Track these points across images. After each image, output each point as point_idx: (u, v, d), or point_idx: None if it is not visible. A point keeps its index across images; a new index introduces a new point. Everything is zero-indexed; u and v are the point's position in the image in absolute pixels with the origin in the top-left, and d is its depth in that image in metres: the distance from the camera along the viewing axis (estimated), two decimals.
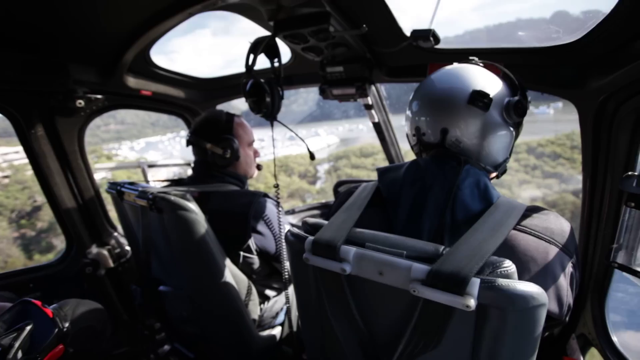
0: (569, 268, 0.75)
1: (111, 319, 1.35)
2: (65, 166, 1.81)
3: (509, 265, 0.58)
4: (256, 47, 1.22)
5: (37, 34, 1.34)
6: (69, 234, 1.89)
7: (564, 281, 0.74)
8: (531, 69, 1.19)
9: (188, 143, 1.45)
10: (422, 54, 1.37)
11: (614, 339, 1.26)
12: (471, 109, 0.83)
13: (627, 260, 0.96)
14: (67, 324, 1.11)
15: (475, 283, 0.55)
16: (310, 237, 0.73)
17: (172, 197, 1.14)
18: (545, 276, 0.72)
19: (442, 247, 0.64)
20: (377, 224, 0.76)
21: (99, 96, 1.74)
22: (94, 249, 1.95)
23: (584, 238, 1.28)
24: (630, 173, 0.86)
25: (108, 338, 1.32)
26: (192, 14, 1.30)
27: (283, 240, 1.30)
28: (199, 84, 2.05)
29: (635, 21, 0.86)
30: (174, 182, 1.53)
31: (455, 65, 0.95)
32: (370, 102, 1.70)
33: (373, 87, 1.64)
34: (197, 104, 2.15)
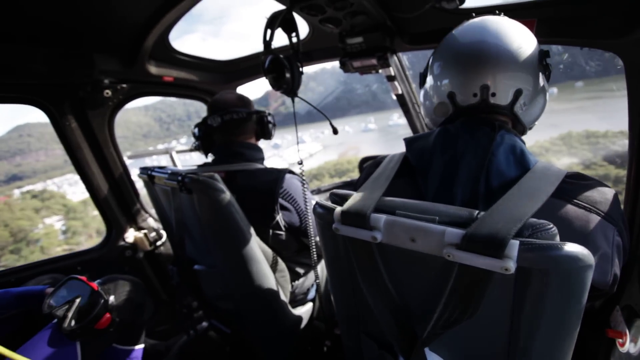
0: (614, 237, 0.71)
1: (151, 298, 1.44)
2: (98, 155, 1.89)
3: (550, 227, 0.55)
4: (273, 22, 1.19)
5: (61, 28, 1.37)
6: (107, 220, 2.00)
7: (607, 250, 0.70)
8: (569, 22, 1.09)
9: (223, 124, 1.44)
10: (446, 17, 1.30)
11: None
12: (522, 67, 0.79)
13: None
14: (111, 297, 1.22)
15: (514, 245, 0.52)
16: (339, 208, 0.72)
17: (201, 178, 1.16)
18: (585, 246, 0.68)
19: (477, 211, 0.61)
20: (407, 194, 0.74)
21: (124, 85, 1.78)
22: (131, 233, 2.06)
23: (631, 204, 1.19)
24: None
25: (148, 310, 1.44)
26: None
27: (310, 216, 1.31)
28: (218, 67, 2.05)
29: None
30: (200, 166, 1.57)
31: (483, 18, 0.88)
32: (392, 73, 1.64)
33: (395, 57, 1.57)
34: (217, 86, 2.15)
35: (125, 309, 1.28)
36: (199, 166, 1.53)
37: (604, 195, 0.72)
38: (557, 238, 0.55)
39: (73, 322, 1.10)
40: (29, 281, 1.50)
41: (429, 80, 0.92)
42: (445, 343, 0.71)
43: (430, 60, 0.93)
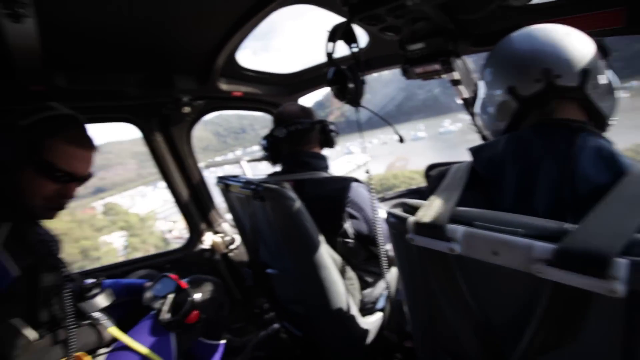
0: None
1: (228, 297, 1.60)
2: (180, 165, 2.13)
3: None
4: (334, 35, 1.24)
5: (148, 55, 1.58)
6: (189, 224, 2.24)
7: None
8: None
9: (289, 135, 1.51)
10: (514, 15, 1.23)
11: None
12: (584, 50, 0.76)
13: None
14: (198, 295, 1.40)
15: (621, 265, 0.46)
16: (412, 217, 0.71)
17: (273, 186, 1.24)
18: None
19: (567, 224, 0.55)
20: (479, 206, 0.69)
21: (200, 101, 1.99)
22: (209, 237, 2.27)
23: None
24: None
25: (228, 309, 1.61)
26: (272, 11, 1.38)
27: (378, 224, 1.31)
28: (281, 80, 2.18)
29: None
30: (270, 175, 1.67)
31: (540, 25, 0.84)
32: (457, 77, 1.59)
33: (459, 61, 1.53)
34: (280, 98, 2.29)
35: (209, 307, 1.43)
36: (269, 175, 1.63)
37: None
38: None
39: (168, 315, 1.29)
40: (130, 274, 1.75)
41: (486, 88, 0.88)
42: None
43: (483, 68, 0.90)
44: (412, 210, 0.75)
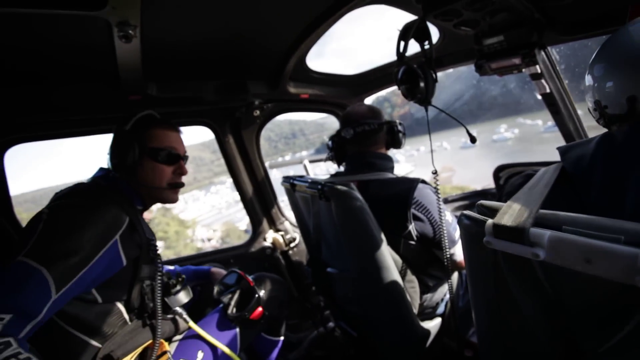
0: None
1: (289, 295, 1.64)
2: (247, 165, 2.24)
3: None
4: (406, 33, 1.21)
5: (224, 63, 1.69)
6: (253, 220, 2.34)
7: None
8: None
9: (356, 136, 1.51)
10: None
11: None
12: None
13: None
14: (262, 292, 1.44)
15: None
16: (491, 220, 0.67)
17: (339, 187, 1.25)
18: None
19: None
20: (563, 206, 0.65)
21: (269, 105, 2.07)
22: (271, 234, 2.35)
23: None
24: None
25: (288, 307, 1.64)
26: (342, 15, 1.39)
27: (444, 227, 1.26)
28: (348, 81, 2.19)
29: None
30: (334, 175, 1.68)
31: None
32: (539, 71, 1.45)
33: (542, 53, 1.40)
34: (346, 99, 2.30)
35: (272, 305, 1.48)
36: (333, 175, 1.64)
37: None
38: None
39: (234, 310, 1.35)
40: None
41: (595, 84, 0.78)
42: None
43: (593, 62, 0.79)
44: (489, 212, 0.71)
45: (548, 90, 1.58)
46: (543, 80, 1.53)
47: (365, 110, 1.55)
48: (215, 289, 1.44)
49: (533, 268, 0.65)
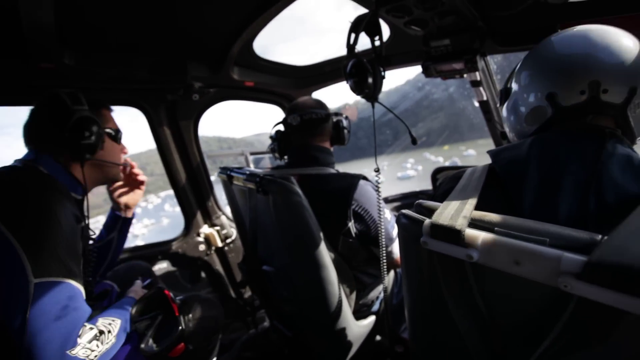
0: None
1: (219, 293, 1.48)
2: (183, 153, 2.06)
3: None
4: (357, 25, 1.17)
5: (160, 39, 1.51)
6: (187, 214, 2.16)
7: None
8: None
9: (302, 123, 1.46)
10: (549, 13, 1.16)
11: None
12: (633, 70, 0.70)
13: None
14: (189, 323, 1.22)
15: None
16: (428, 220, 0.66)
17: (278, 179, 1.18)
18: None
19: (599, 235, 0.51)
20: (497, 208, 0.66)
21: (211, 89, 1.91)
22: (206, 229, 2.19)
23: None
24: None
25: (221, 330, 1.42)
26: (290, 1, 1.32)
27: (382, 225, 1.25)
28: (296, 72, 2.11)
29: None
30: (274, 168, 1.60)
31: (585, 27, 0.78)
32: (478, 78, 1.52)
33: (483, 61, 1.46)
34: (294, 90, 2.22)
35: (200, 337, 1.25)
36: (273, 168, 1.57)
37: None
38: None
39: (151, 341, 1.12)
40: (119, 265, 1.66)
41: (518, 90, 0.83)
42: None
43: (519, 71, 0.85)
44: (426, 212, 0.70)
45: (485, 98, 1.66)
46: (481, 88, 1.61)
47: (313, 101, 1.51)
48: (131, 310, 1.15)
49: (465, 270, 0.64)
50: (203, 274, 2.25)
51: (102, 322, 0.98)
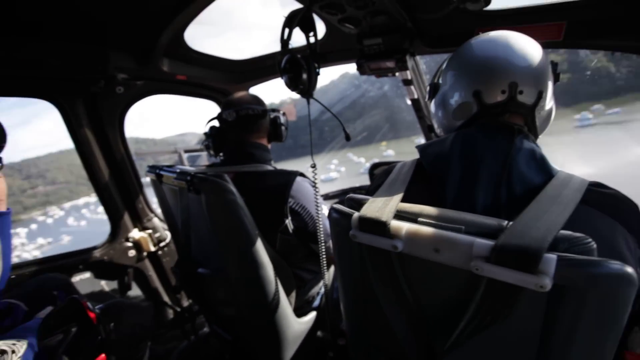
0: (636, 249, 0.67)
1: (154, 301, 1.37)
2: (107, 152, 1.87)
3: (589, 241, 0.50)
4: (291, 21, 1.16)
5: (78, 22, 1.35)
6: (112, 217, 1.97)
7: (631, 261, 0.66)
8: (601, 25, 1.04)
9: (238, 119, 1.41)
10: (469, 19, 1.25)
11: None
12: (543, 71, 0.80)
13: None
14: (110, 331, 1.09)
15: (550, 260, 0.48)
16: (357, 213, 0.68)
17: (210, 178, 1.12)
18: (612, 256, 0.63)
19: (506, 221, 0.56)
20: (424, 200, 0.71)
21: (138, 82, 1.76)
22: (136, 233, 2.02)
23: None
24: None
25: (151, 338, 1.30)
26: None
27: (320, 221, 1.26)
28: (232, 66, 2.03)
29: None
30: (209, 166, 1.53)
31: (499, 32, 0.88)
32: (409, 77, 1.60)
33: (413, 60, 1.53)
34: (230, 85, 2.13)
35: (124, 346, 1.14)
36: (208, 166, 1.50)
37: (628, 204, 0.69)
38: (595, 253, 0.50)
39: (65, 358, 0.97)
40: (29, 280, 1.46)
41: (447, 88, 0.90)
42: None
43: (445, 70, 0.92)
44: (357, 206, 0.72)
45: (416, 96, 1.75)
46: (412, 87, 1.69)
47: (250, 96, 1.47)
48: (42, 325, 0.99)
49: (391, 261, 0.67)
50: (134, 283, 2.07)
51: (3, 342, 0.85)
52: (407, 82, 1.65)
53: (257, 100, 1.47)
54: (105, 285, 1.96)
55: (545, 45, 0.87)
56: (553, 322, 0.53)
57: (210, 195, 1.13)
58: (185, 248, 1.44)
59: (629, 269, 0.47)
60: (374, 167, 2.14)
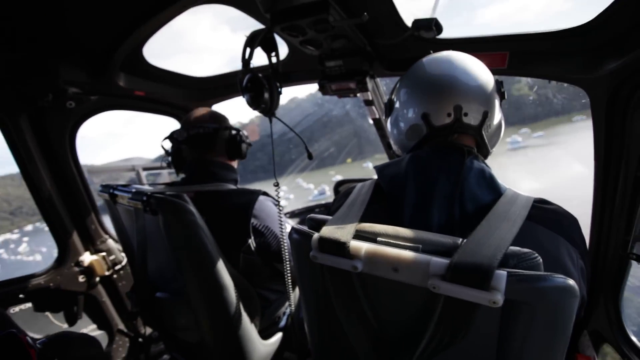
0: (578, 260, 0.73)
1: (108, 330, 1.27)
2: (55, 169, 1.75)
3: (535, 256, 0.54)
4: (252, 41, 1.17)
5: (25, 32, 1.28)
6: (60, 240, 1.83)
7: (574, 273, 0.71)
8: (539, 56, 1.14)
9: (189, 139, 1.39)
10: (423, 45, 1.33)
11: (631, 335, 1.22)
12: (487, 92, 0.85)
13: None
14: None
15: (501, 276, 0.50)
16: (317, 234, 0.68)
17: (168, 198, 1.08)
18: (556, 268, 0.69)
19: (460, 239, 0.59)
20: (382, 220, 0.73)
21: (91, 97, 1.68)
22: (87, 257, 1.89)
23: (596, 230, 1.23)
24: None
25: None
26: (185, 7, 1.26)
27: (285, 240, 1.25)
28: (194, 83, 1.99)
29: None
30: (168, 185, 1.48)
31: (448, 52, 0.94)
32: (370, 98, 1.65)
33: (373, 82, 1.59)
34: (192, 102, 2.08)
35: None
36: (168, 185, 1.45)
37: (569, 220, 0.75)
38: (542, 267, 0.54)
39: None
40: None
41: (399, 106, 0.94)
42: None
43: (399, 88, 0.96)
44: (317, 226, 0.72)
45: (377, 116, 1.81)
46: (374, 107, 1.76)
47: (206, 114, 1.44)
48: None
49: (352, 282, 0.67)
50: (85, 311, 1.92)
51: None
52: (368, 103, 1.71)
53: (213, 118, 1.44)
54: (51, 315, 1.80)
55: (492, 72, 0.94)
56: (507, 335, 0.56)
57: (169, 216, 1.09)
58: (141, 271, 1.37)
59: (571, 282, 0.50)
60: (339, 184, 2.17)
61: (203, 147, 1.39)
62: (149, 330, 1.98)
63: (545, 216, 0.71)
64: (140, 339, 2.03)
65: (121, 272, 2.00)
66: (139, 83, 1.77)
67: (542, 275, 0.50)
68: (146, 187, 1.28)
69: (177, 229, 1.11)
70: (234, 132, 1.45)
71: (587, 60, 1.03)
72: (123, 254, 2.00)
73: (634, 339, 1.20)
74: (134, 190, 1.20)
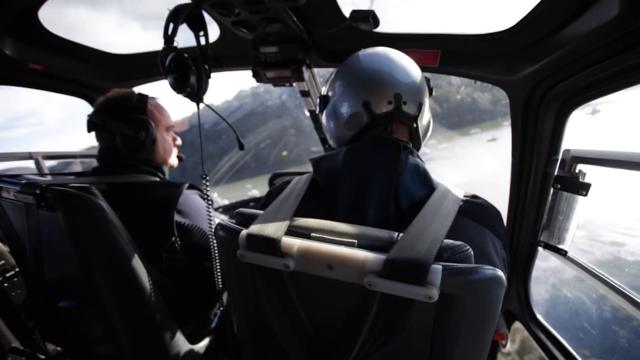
0: (500, 250, 0.78)
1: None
2: None
3: (466, 249, 0.55)
4: (177, 15, 1.04)
5: None
6: None
7: (498, 263, 0.76)
8: (468, 57, 1.21)
9: (91, 125, 1.21)
10: (359, 37, 1.33)
11: (537, 313, 1.38)
12: (421, 85, 0.89)
13: (552, 239, 1.03)
14: None
15: (436, 271, 0.50)
16: (245, 230, 0.62)
17: (70, 191, 0.91)
18: (482, 259, 0.72)
19: (397, 233, 0.58)
20: (317, 215, 0.69)
21: None
22: None
23: (511, 221, 1.36)
24: (555, 157, 0.91)
25: None
26: None
27: (213, 237, 1.15)
28: (110, 60, 1.73)
29: (562, 8, 0.89)
30: (76, 175, 1.28)
31: (384, 48, 0.97)
32: (306, 89, 1.62)
33: (310, 72, 1.55)
34: (107, 83, 1.82)
35: None
36: (76, 175, 1.25)
37: (494, 213, 0.80)
38: (473, 259, 0.55)
39: None
40: None
41: (337, 98, 0.93)
42: None
43: (334, 79, 0.96)
44: (246, 221, 0.67)
45: (314, 108, 1.78)
46: (310, 98, 1.72)
47: (116, 97, 1.27)
48: None
49: (284, 281, 0.63)
50: None
51: None
52: (304, 94, 1.67)
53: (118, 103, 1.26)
54: None
55: (423, 70, 0.96)
56: (440, 329, 0.56)
57: (71, 213, 0.93)
58: (37, 278, 1.16)
59: (499, 273, 0.52)
60: (274, 177, 2.10)
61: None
62: (51, 347, 1.71)
63: (472, 210, 0.75)
64: (42, 357, 1.75)
65: (15, 279, 1.70)
66: (37, 54, 1.48)
67: (473, 268, 0.51)
68: (41, 179, 1.08)
69: (82, 227, 0.95)
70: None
71: (509, 63, 1.12)
72: (13, 259, 1.69)
73: (539, 316, 1.36)
74: (23, 181, 0.99)
